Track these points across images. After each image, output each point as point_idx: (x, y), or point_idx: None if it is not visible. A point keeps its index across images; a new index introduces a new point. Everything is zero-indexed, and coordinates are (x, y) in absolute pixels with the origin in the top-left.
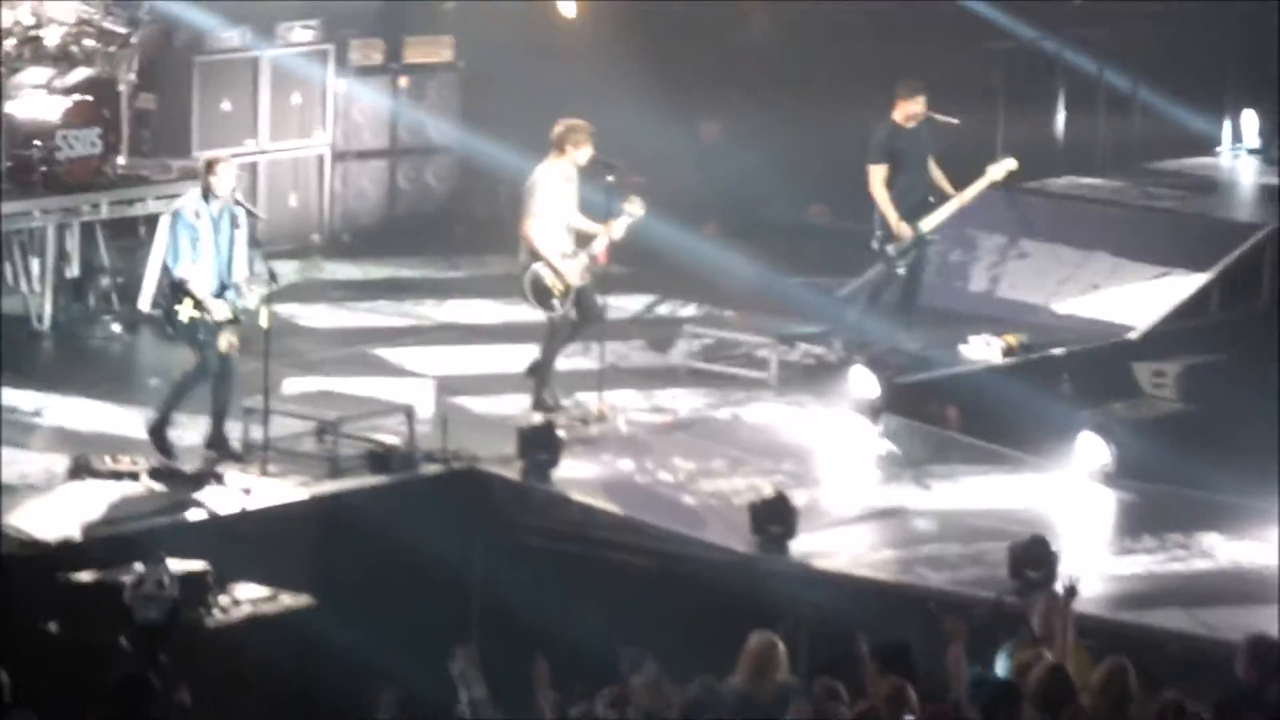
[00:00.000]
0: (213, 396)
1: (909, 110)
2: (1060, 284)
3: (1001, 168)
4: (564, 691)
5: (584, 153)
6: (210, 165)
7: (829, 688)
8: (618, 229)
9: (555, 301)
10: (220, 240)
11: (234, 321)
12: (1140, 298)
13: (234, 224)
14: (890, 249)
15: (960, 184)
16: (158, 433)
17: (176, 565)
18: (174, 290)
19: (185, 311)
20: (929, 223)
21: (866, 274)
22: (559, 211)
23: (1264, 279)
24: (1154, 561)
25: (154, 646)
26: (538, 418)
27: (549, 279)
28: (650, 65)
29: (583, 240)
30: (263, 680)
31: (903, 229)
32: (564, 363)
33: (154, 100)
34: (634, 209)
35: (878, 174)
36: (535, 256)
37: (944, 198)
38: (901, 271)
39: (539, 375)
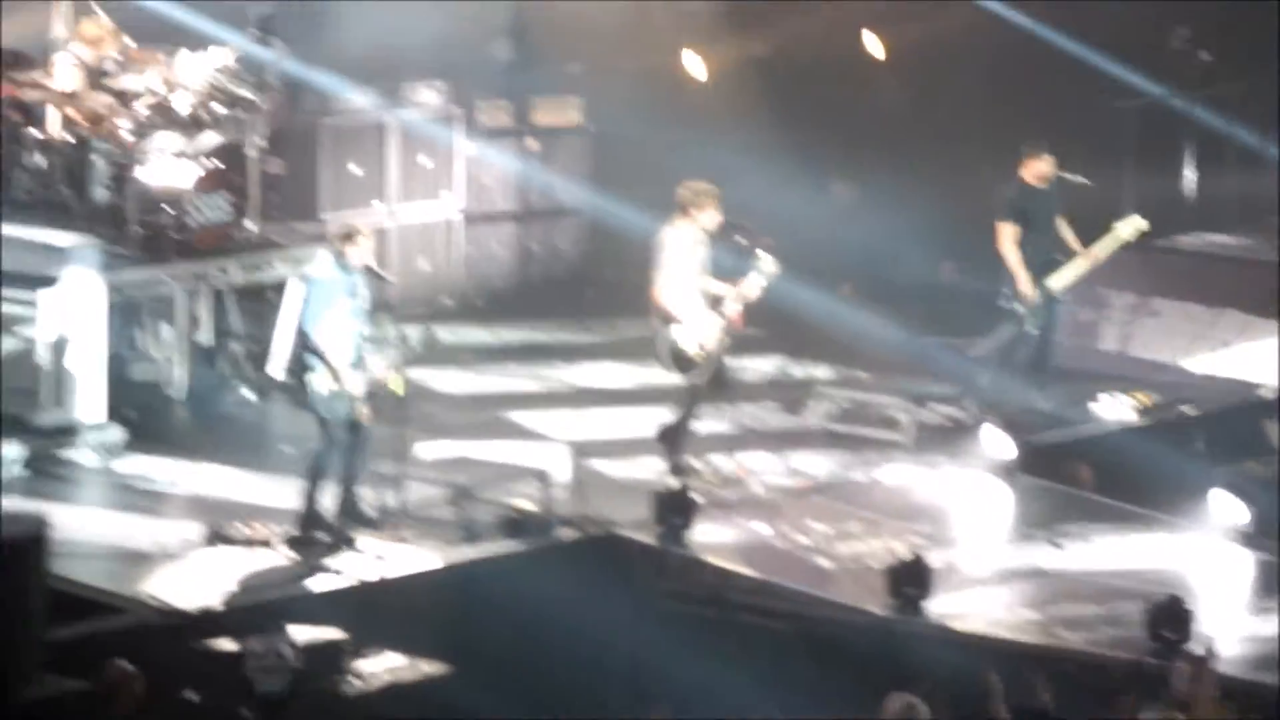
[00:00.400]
0: (345, 463)
1: (1037, 170)
2: (1191, 342)
3: (1131, 226)
4: None
5: (709, 216)
6: (348, 234)
7: None
8: (750, 288)
9: (691, 365)
10: (354, 307)
11: (368, 390)
12: (1272, 355)
13: (370, 291)
14: (1019, 308)
15: (1090, 242)
16: (310, 515)
17: (311, 633)
18: (307, 357)
19: (318, 380)
20: (1058, 281)
21: (998, 333)
22: (688, 274)
23: None
24: None
25: (276, 717)
26: (673, 482)
27: (684, 342)
28: (781, 126)
29: (715, 302)
30: None
31: (1030, 288)
32: (698, 425)
33: (282, 164)
34: (767, 267)
35: (1007, 233)
36: (668, 320)
37: (1073, 257)
38: (1032, 330)
39: (674, 439)
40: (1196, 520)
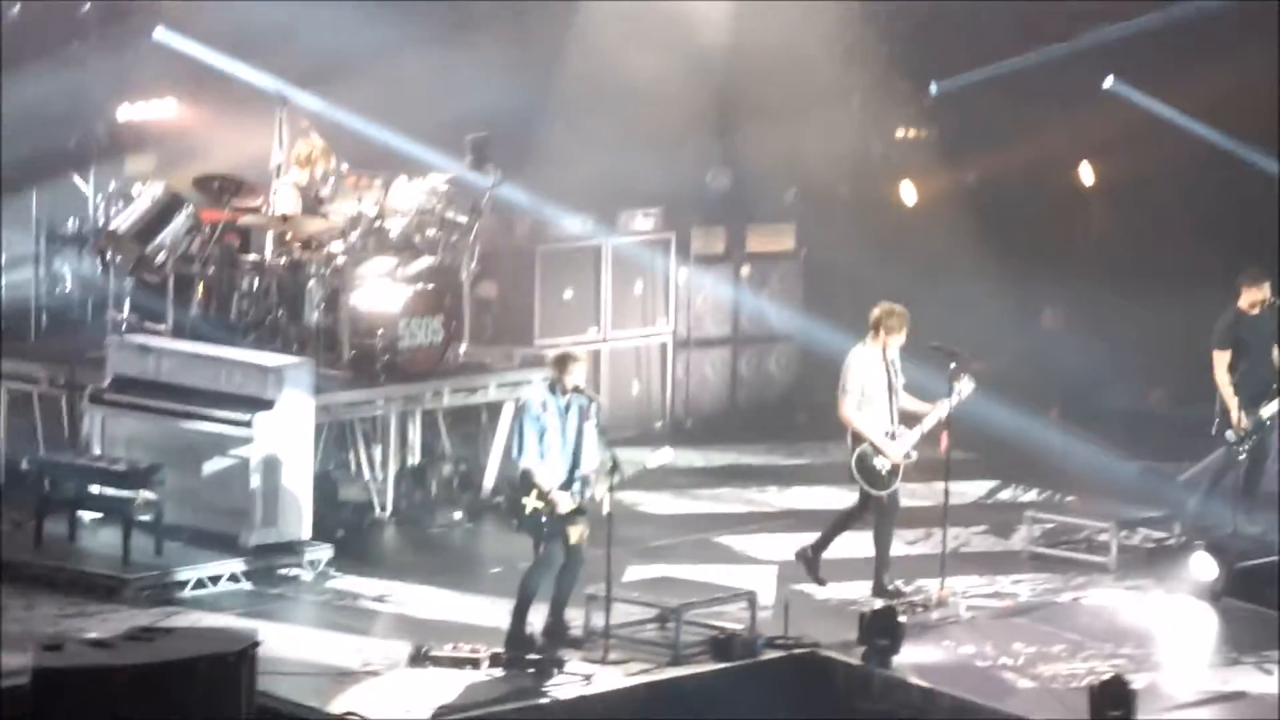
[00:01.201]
0: (556, 584)
1: (1253, 297)
2: None
3: None
4: None
5: (898, 338)
6: (563, 361)
7: None
8: (945, 406)
9: (884, 481)
10: (568, 431)
11: (580, 512)
12: None
13: (583, 415)
14: (1230, 435)
15: None
16: (518, 635)
17: None
18: (520, 482)
19: (531, 504)
20: (1270, 410)
21: (1207, 459)
22: (876, 392)
23: None
24: None
25: None
26: (879, 603)
27: (876, 459)
28: (991, 253)
29: (911, 420)
30: None
31: (1241, 417)
32: (906, 549)
33: (495, 288)
34: (963, 386)
35: (1221, 360)
36: (858, 438)
37: None
38: (1243, 458)
39: (878, 561)
40: None
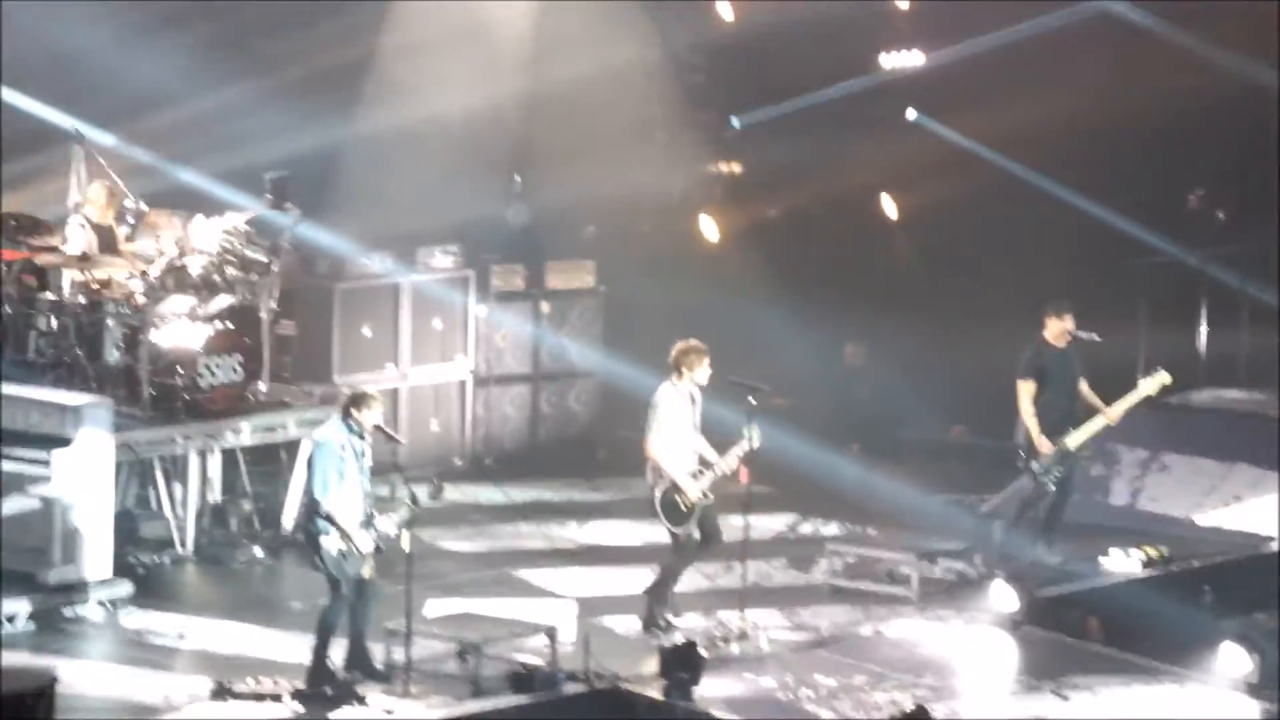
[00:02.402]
0: (352, 618)
1: (1057, 328)
2: (1202, 496)
3: (1154, 382)
4: None
5: (702, 372)
6: (359, 398)
7: None
8: (735, 455)
9: (680, 518)
10: (364, 468)
11: (377, 550)
12: None
13: (373, 451)
14: (1036, 465)
15: (1107, 399)
16: (319, 670)
17: None
18: (319, 520)
19: (331, 543)
20: (1076, 439)
21: (1007, 490)
22: (679, 431)
23: None
24: None
25: None
26: (679, 637)
27: (678, 496)
28: (793, 287)
29: (705, 462)
30: None
31: (1044, 444)
32: (705, 582)
33: (294, 326)
34: (754, 435)
35: (1026, 390)
36: (660, 475)
37: (1094, 415)
38: (1051, 487)
39: (656, 593)
40: (1204, 672)
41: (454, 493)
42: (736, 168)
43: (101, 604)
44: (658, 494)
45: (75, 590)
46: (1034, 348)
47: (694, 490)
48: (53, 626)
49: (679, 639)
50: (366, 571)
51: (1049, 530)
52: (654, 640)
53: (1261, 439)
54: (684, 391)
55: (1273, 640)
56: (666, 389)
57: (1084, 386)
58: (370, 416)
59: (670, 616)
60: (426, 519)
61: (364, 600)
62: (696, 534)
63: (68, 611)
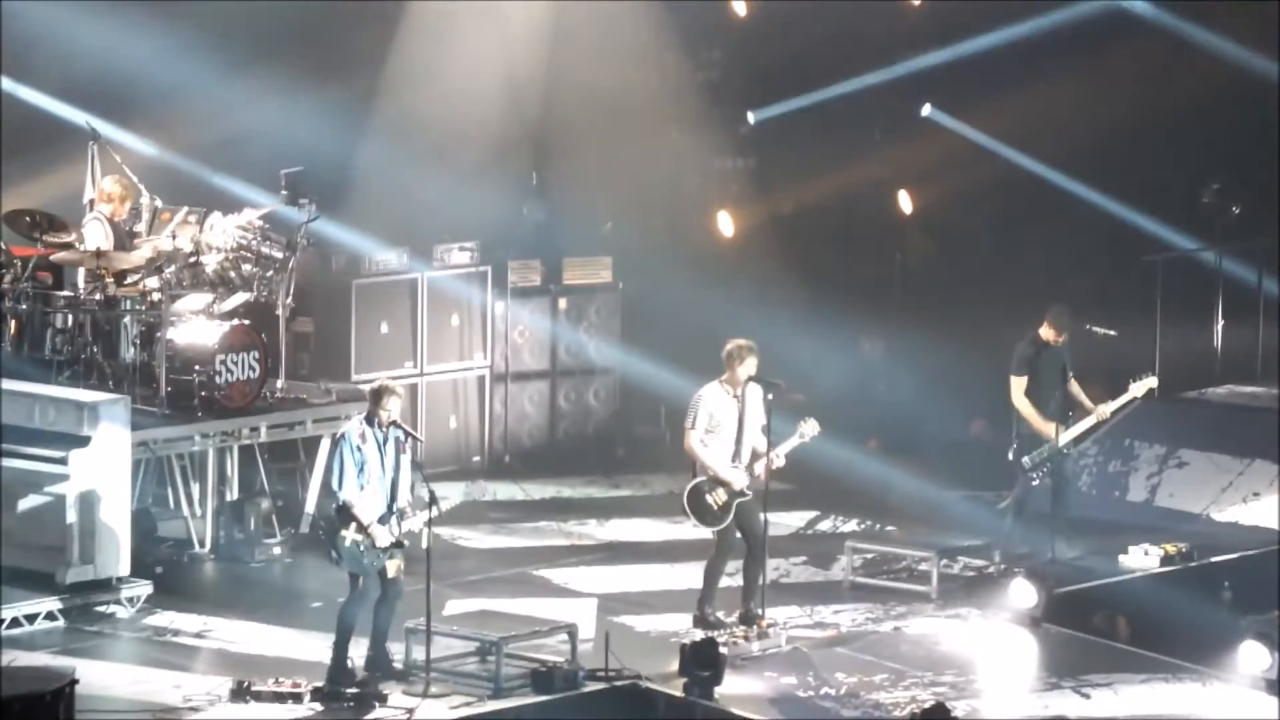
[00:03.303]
0: (375, 618)
1: (1052, 335)
2: (1221, 492)
3: (1142, 385)
4: None
5: (745, 370)
6: (379, 394)
7: None
8: (783, 450)
9: (712, 517)
10: (386, 464)
11: (398, 545)
12: None
13: (399, 449)
14: (1026, 460)
15: (1113, 395)
16: (339, 669)
17: None
18: (338, 515)
19: (349, 537)
20: (1066, 437)
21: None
22: (724, 429)
23: None
24: None
25: None
26: (700, 634)
27: (708, 493)
28: (809, 283)
29: (754, 457)
30: None
31: (1047, 428)
32: (726, 579)
33: (311, 323)
34: (809, 430)
35: (1018, 385)
36: (696, 472)
37: (1084, 413)
38: (1036, 482)
39: (703, 593)
40: (1224, 669)
41: (473, 490)
42: (753, 163)
43: (120, 603)
44: (687, 491)
45: (93, 590)
46: (1027, 344)
47: (738, 480)
48: (71, 626)
49: (708, 636)
50: (392, 570)
51: (1058, 524)
52: (674, 638)
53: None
54: (730, 390)
55: None
56: (712, 386)
57: (1073, 385)
58: (389, 411)
59: (720, 614)
60: (447, 517)
61: (387, 599)
62: (737, 533)
63: (86, 611)
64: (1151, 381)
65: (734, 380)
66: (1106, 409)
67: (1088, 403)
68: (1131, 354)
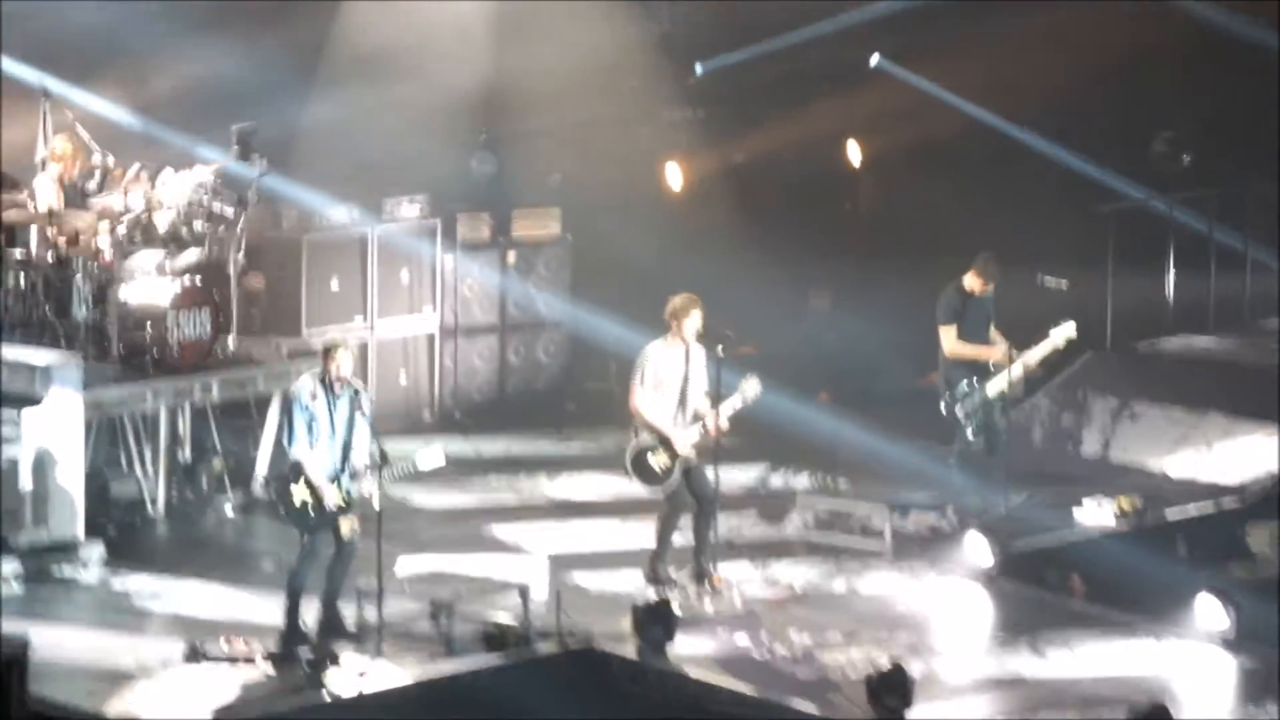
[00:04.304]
0: (327, 577)
1: (977, 284)
2: (1174, 445)
3: (1062, 333)
4: None
5: (691, 324)
6: (329, 350)
7: None
8: (730, 407)
9: (657, 478)
10: (337, 422)
11: (350, 505)
12: (1256, 457)
13: (354, 406)
14: (958, 409)
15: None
16: (291, 630)
17: None
18: (289, 471)
19: (298, 495)
20: (994, 387)
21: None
22: (668, 387)
23: None
24: None
25: None
26: (653, 594)
27: (650, 453)
28: (758, 235)
29: (697, 416)
30: None
31: (996, 353)
32: (678, 537)
33: (262, 279)
34: (750, 390)
35: (948, 334)
36: (639, 430)
37: (1006, 363)
38: (970, 434)
39: (655, 552)
40: (1180, 625)
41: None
42: (702, 114)
43: (74, 565)
44: (628, 453)
45: (51, 552)
46: (953, 291)
47: (683, 441)
48: (25, 589)
49: (661, 595)
50: (345, 530)
51: (996, 475)
52: (626, 597)
53: (1232, 386)
54: (676, 347)
55: (1248, 592)
56: (656, 344)
57: (995, 335)
58: (340, 367)
59: (672, 571)
60: (397, 480)
61: (339, 559)
62: (685, 492)
63: (40, 574)
64: (1070, 329)
65: (679, 336)
66: (1030, 357)
67: (1012, 352)
68: (1083, 304)
